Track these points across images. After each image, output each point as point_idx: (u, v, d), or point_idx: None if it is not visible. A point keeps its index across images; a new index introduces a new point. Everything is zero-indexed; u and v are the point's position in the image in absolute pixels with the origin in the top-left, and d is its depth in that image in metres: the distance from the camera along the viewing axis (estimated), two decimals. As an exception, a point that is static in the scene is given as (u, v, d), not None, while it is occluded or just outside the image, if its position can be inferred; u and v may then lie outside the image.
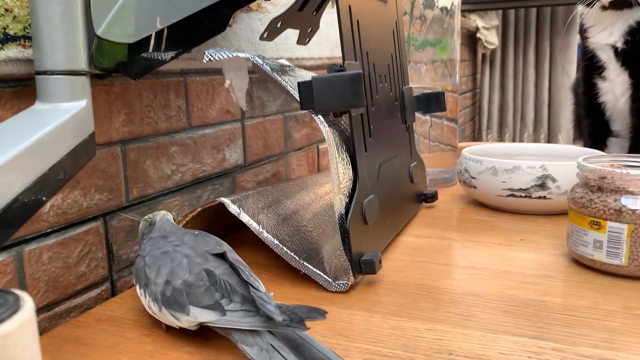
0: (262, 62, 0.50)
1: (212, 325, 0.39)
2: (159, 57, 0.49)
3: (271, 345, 0.36)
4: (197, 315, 0.39)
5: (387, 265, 0.58)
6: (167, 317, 0.41)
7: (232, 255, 0.44)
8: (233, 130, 0.73)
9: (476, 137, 2.74)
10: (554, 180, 0.71)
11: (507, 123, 2.69)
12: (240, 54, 0.51)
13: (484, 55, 2.65)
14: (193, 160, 0.65)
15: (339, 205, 0.50)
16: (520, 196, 0.73)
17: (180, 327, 0.42)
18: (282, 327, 0.35)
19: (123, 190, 0.56)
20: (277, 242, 0.53)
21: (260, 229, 0.53)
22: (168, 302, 0.41)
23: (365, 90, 0.59)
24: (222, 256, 0.43)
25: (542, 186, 0.72)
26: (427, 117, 0.92)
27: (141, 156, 0.58)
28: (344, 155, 0.53)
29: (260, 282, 0.41)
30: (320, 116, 0.50)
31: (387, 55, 0.68)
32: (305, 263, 0.53)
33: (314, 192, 0.72)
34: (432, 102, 0.80)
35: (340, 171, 0.51)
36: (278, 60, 0.59)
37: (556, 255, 0.60)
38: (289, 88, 0.49)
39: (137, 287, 0.44)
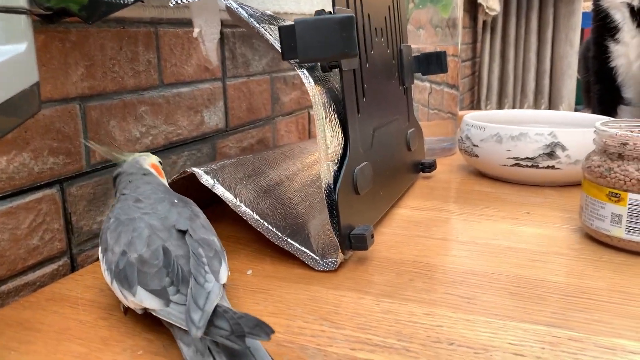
0: (237, 6, 0.43)
1: (154, 313, 0.34)
2: (119, -1, 0.42)
3: (209, 348, 0.31)
4: (142, 299, 0.34)
5: (380, 240, 0.53)
6: (116, 292, 0.36)
7: (199, 234, 0.38)
8: (213, 90, 0.66)
9: (475, 107, 2.67)
10: (563, 148, 0.65)
11: (507, 93, 2.62)
12: (215, -2, 0.44)
13: (484, 23, 2.56)
14: (166, 122, 0.59)
15: (326, 173, 0.44)
16: (527, 166, 0.67)
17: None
18: (215, 338, 0.30)
19: (83, 154, 0.49)
20: (256, 216, 0.47)
21: (238, 202, 0.47)
22: (119, 276, 0.35)
23: (359, 42, 0.52)
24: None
25: (551, 155, 0.66)
26: (427, 84, 0.86)
27: (104, 115, 0.51)
28: (333, 116, 0.46)
29: (218, 272, 0.35)
30: (304, 70, 0.44)
31: (384, 7, 0.61)
32: (288, 239, 0.47)
33: (301, 161, 0.66)
34: (433, 63, 0.74)
35: (327, 135, 0.44)
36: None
37: (567, 230, 0.54)
38: (268, 36, 0.42)
39: (99, 251, 0.39)
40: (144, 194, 0.42)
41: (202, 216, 0.41)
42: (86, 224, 0.50)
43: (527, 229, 0.55)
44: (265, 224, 0.47)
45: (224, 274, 0.36)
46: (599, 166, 0.49)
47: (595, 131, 0.51)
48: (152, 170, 0.46)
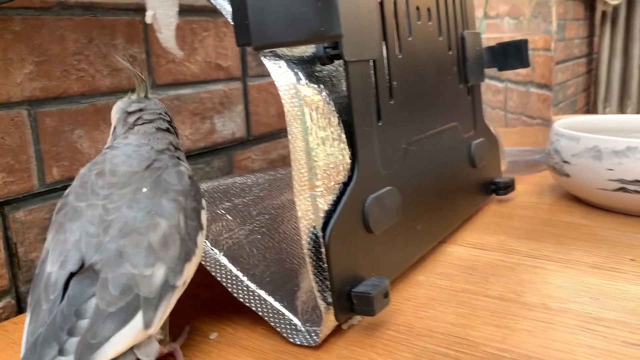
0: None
1: None
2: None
3: None
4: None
5: (408, 295, 0.38)
6: None
7: (124, 265, 0.26)
8: (228, 92, 0.55)
9: (590, 110, 2.36)
10: (693, 169, 0.47)
11: (630, 94, 2.28)
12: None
13: (604, 14, 2.25)
14: (159, 130, 0.48)
15: (309, 209, 0.31)
16: (635, 191, 0.49)
17: None
18: None
19: (34, 170, 0.40)
20: (223, 259, 0.35)
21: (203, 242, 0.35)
22: (29, 297, 0.27)
23: (384, 22, 0.38)
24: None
25: (674, 178, 0.47)
26: (503, 84, 0.69)
27: (66, 123, 0.42)
28: (333, 127, 0.33)
29: (98, 345, 0.24)
30: (270, 57, 0.31)
31: (434, -20, 0.46)
32: (262, 294, 0.34)
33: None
34: (511, 55, 0.57)
35: (315, 152, 0.31)
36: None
37: (694, 294, 0.37)
38: (222, 8, 0.30)
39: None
40: (113, 162, 0.30)
41: (175, 219, 0.29)
42: (38, 255, 0.41)
43: (631, 287, 0.38)
44: (234, 270, 0.34)
45: (113, 346, 0.24)
46: None
47: None
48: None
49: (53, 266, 0.26)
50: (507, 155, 0.70)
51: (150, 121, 0.32)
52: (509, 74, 0.68)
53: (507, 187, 0.58)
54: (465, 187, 0.51)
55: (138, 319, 0.25)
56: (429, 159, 0.44)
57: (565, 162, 0.55)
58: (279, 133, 0.62)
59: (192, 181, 0.31)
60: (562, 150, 0.55)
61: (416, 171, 0.42)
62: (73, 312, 0.24)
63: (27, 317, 0.26)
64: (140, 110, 0.33)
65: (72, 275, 0.26)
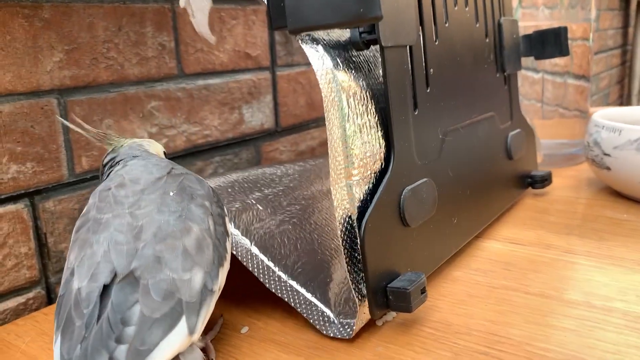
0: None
1: None
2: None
3: None
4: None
5: (445, 292, 0.37)
6: None
7: (163, 270, 0.25)
8: (257, 82, 0.54)
9: (624, 103, 2.29)
10: None
11: (666, 87, 2.21)
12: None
13: (639, 4, 2.18)
14: (188, 120, 0.48)
15: (344, 198, 0.30)
16: (685, 185, 0.47)
17: None
18: None
19: (63, 160, 0.40)
20: (254, 249, 0.34)
21: (232, 229, 0.34)
22: (56, 314, 0.26)
23: (422, 9, 0.37)
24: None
25: None
26: (539, 75, 0.66)
27: (95, 113, 0.41)
28: (372, 115, 0.32)
29: (149, 349, 0.23)
30: (307, 41, 0.29)
31: (471, -36, 0.44)
32: (294, 285, 0.33)
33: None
34: (549, 43, 0.55)
35: (352, 140, 0.30)
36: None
37: None
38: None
39: None
40: (132, 173, 0.30)
41: (206, 223, 0.28)
42: (69, 245, 0.41)
43: (681, 287, 0.36)
44: (265, 260, 0.33)
45: (162, 351, 0.24)
46: None
47: None
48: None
49: (82, 281, 0.25)
50: (543, 148, 0.68)
51: (128, 156, 0.32)
52: (545, 64, 0.66)
53: (544, 180, 0.55)
54: (501, 179, 0.49)
55: (182, 325, 0.25)
56: (465, 150, 0.43)
57: (605, 154, 0.52)
58: (308, 124, 0.61)
59: (211, 188, 0.31)
60: (603, 143, 0.53)
61: (452, 162, 0.40)
62: (119, 320, 0.24)
63: (56, 339, 0.25)
64: (114, 158, 0.33)
65: (105, 287, 0.25)
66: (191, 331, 0.25)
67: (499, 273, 0.39)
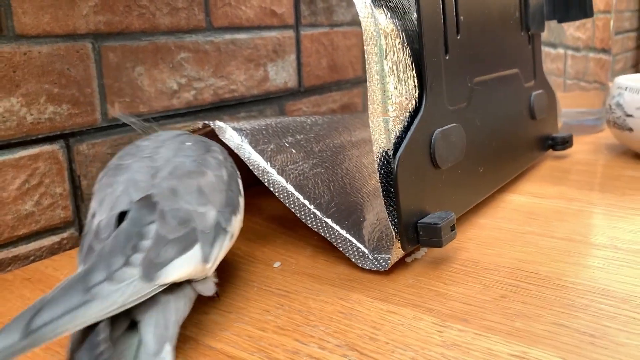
0: None
1: None
2: None
3: None
4: None
5: (471, 235, 0.38)
6: None
7: (178, 201, 0.26)
8: (281, 40, 0.54)
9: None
10: None
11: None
12: None
13: (655, -13, 2.15)
14: (215, 74, 0.48)
15: (381, 133, 0.30)
16: None
17: None
18: None
19: (97, 105, 0.40)
20: (290, 187, 0.35)
21: (267, 168, 0.35)
22: (80, 249, 0.26)
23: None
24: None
25: None
26: (560, 50, 0.66)
27: (128, 60, 0.42)
28: (405, 55, 0.32)
29: (162, 265, 0.24)
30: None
31: None
32: (329, 222, 0.34)
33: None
34: (573, 6, 0.55)
35: (388, 79, 0.30)
36: None
37: None
38: None
39: None
40: (157, 135, 0.33)
41: (220, 172, 0.30)
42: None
43: None
44: (301, 198, 0.34)
45: (176, 269, 0.24)
46: None
47: None
48: None
49: (102, 215, 0.26)
50: (562, 116, 0.68)
51: None
52: (567, 39, 0.66)
53: (565, 142, 0.56)
54: (524, 138, 0.50)
55: (197, 250, 0.25)
56: (492, 102, 0.43)
57: (628, 115, 0.53)
58: (330, 86, 0.61)
59: (226, 152, 0.33)
60: (625, 104, 0.53)
61: (480, 112, 0.41)
62: (136, 233, 0.24)
63: (78, 263, 0.25)
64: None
65: (122, 214, 0.26)
66: (205, 259, 0.25)
67: (524, 221, 0.40)
